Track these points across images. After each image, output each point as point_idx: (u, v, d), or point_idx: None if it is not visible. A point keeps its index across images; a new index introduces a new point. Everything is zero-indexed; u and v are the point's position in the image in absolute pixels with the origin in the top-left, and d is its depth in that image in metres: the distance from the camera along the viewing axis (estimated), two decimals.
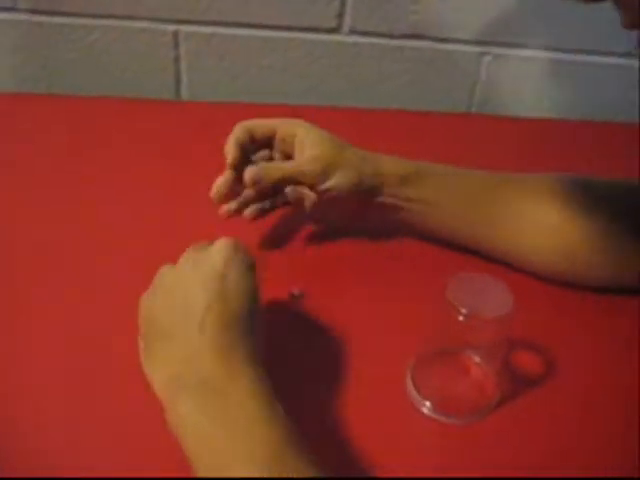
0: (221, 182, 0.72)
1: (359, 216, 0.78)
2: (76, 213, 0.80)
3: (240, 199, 0.75)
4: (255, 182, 0.70)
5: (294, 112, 0.99)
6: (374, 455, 0.58)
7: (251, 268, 0.58)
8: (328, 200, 0.73)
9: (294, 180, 0.72)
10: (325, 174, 0.72)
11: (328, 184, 0.72)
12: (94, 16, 1.00)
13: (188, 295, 0.55)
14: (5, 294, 0.69)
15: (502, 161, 0.81)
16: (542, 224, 0.73)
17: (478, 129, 1.07)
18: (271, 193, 0.77)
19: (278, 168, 0.72)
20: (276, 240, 0.80)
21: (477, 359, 0.66)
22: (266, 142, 0.76)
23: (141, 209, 0.82)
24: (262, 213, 0.77)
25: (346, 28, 1.04)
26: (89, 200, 0.82)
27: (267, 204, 0.78)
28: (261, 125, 0.75)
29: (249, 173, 0.70)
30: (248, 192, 0.75)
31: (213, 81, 1.07)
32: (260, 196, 0.77)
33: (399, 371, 0.65)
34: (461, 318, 0.58)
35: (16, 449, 0.55)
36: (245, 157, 0.73)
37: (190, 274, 0.56)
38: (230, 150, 0.73)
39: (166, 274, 0.59)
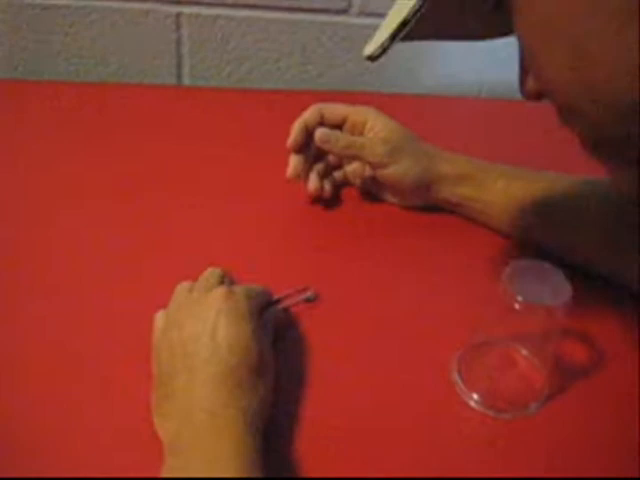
0: (295, 161, 0.74)
1: (414, 202, 0.79)
2: (75, 201, 0.76)
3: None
4: (323, 142, 0.72)
5: (301, 98, 0.97)
6: (420, 446, 0.57)
7: (244, 317, 0.55)
8: (384, 183, 0.76)
9: (360, 153, 0.74)
10: (391, 157, 0.73)
11: (391, 170, 0.74)
12: None
13: (181, 352, 0.53)
14: (5, 288, 0.66)
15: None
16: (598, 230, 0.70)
17: (488, 112, 1.04)
18: (334, 165, 0.80)
19: (347, 137, 0.74)
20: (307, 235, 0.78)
21: (524, 352, 0.63)
22: (335, 127, 0.76)
23: (140, 198, 0.78)
24: (322, 191, 0.78)
25: (355, 10, 1.00)
26: (87, 187, 0.79)
27: (327, 184, 0.78)
28: (333, 110, 0.76)
29: (319, 132, 0.72)
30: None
31: (216, 65, 1.03)
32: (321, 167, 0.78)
33: (446, 361, 0.63)
34: (517, 306, 0.55)
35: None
36: (307, 140, 0.74)
37: (184, 330, 0.54)
38: (294, 130, 0.74)
39: (167, 322, 0.57)
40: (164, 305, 0.59)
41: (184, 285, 0.59)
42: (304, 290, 0.66)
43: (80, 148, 0.84)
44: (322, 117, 0.75)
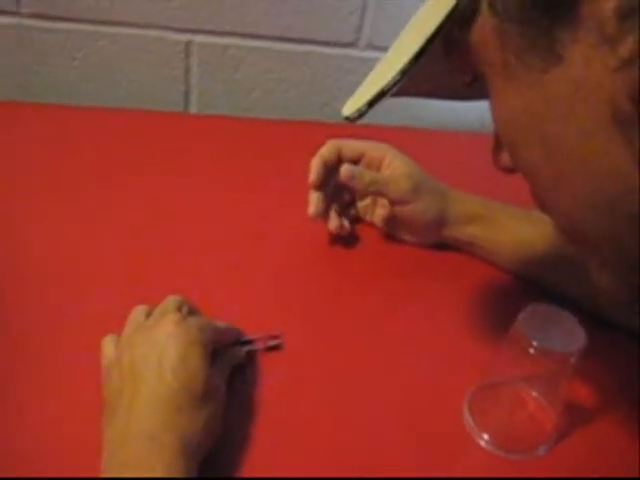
0: (317, 199, 0.74)
1: (426, 240, 0.80)
2: (79, 225, 0.76)
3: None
4: (349, 178, 0.72)
5: (307, 128, 0.98)
6: None
7: (193, 345, 0.54)
8: (402, 220, 0.77)
9: (383, 189, 0.74)
10: (414, 193, 0.74)
11: (411, 207, 0.75)
12: (103, 23, 0.96)
13: (129, 373, 0.53)
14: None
15: None
16: None
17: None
18: (347, 202, 0.81)
19: (371, 173, 0.74)
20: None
21: (535, 394, 0.64)
22: (352, 163, 0.76)
23: (142, 224, 0.78)
24: (342, 229, 0.78)
25: (363, 43, 1.01)
26: (89, 212, 0.78)
27: (345, 222, 0.79)
28: (350, 146, 0.76)
29: (345, 169, 0.73)
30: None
31: (224, 94, 1.04)
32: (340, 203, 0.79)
33: (457, 401, 0.63)
34: (532, 350, 0.56)
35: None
36: (327, 176, 0.75)
37: (135, 352, 0.54)
38: (315, 167, 0.74)
39: (121, 344, 0.57)
40: None
41: (140, 308, 0.60)
42: (275, 337, 0.65)
43: (84, 173, 0.84)
44: (339, 153, 0.76)
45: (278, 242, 0.78)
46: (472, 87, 0.47)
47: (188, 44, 0.98)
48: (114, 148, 0.90)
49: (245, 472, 0.55)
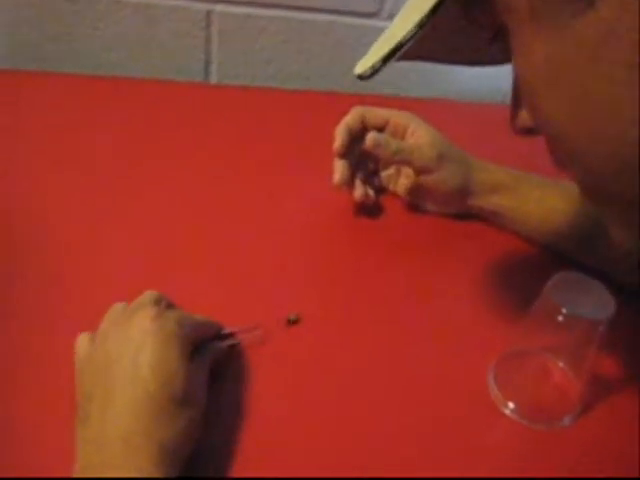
0: (342, 167, 0.73)
1: (450, 209, 0.79)
2: (93, 198, 0.75)
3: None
4: (375, 146, 0.72)
5: (327, 99, 0.98)
6: (456, 454, 0.57)
7: (170, 342, 0.50)
8: (426, 189, 0.76)
9: (408, 158, 0.73)
10: (439, 161, 0.73)
11: (435, 176, 0.74)
12: None
13: (103, 373, 0.49)
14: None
15: None
16: None
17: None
18: (371, 172, 0.80)
19: (397, 142, 0.73)
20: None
21: (561, 364, 0.63)
22: (376, 131, 0.75)
23: (162, 193, 0.77)
24: (367, 198, 0.78)
25: (385, 14, 1.00)
26: (111, 182, 0.78)
27: (370, 191, 0.78)
28: (375, 113, 0.76)
29: (371, 136, 0.72)
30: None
31: (244, 64, 1.03)
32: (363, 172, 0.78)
33: (482, 369, 0.63)
34: (560, 318, 0.55)
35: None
36: (352, 144, 0.74)
37: (109, 349, 0.50)
38: (340, 134, 0.73)
39: (95, 341, 0.53)
40: None
41: (118, 305, 0.55)
42: (254, 328, 0.61)
43: (104, 143, 0.83)
44: (364, 120, 0.75)
45: (299, 213, 0.78)
46: (492, 47, 0.46)
47: (209, 13, 0.97)
48: (135, 118, 0.89)
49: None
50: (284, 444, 0.55)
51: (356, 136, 0.74)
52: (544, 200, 0.74)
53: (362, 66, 0.48)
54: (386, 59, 0.46)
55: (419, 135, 0.75)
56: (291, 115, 0.95)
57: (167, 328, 0.51)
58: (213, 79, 1.04)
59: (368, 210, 0.79)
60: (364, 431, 0.57)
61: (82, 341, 0.54)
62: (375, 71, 0.47)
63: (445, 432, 0.58)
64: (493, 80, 1.04)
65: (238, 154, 0.85)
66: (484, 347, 0.65)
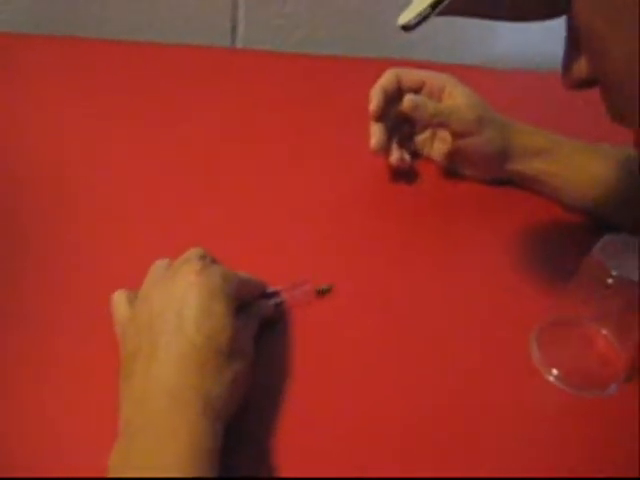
0: (379, 130, 0.71)
1: (488, 174, 0.77)
2: (120, 162, 0.74)
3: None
4: (412, 109, 0.70)
5: (354, 64, 0.95)
6: (499, 421, 0.56)
7: (216, 296, 0.49)
8: (464, 153, 0.73)
9: (447, 120, 0.71)
10: (478, 124, 0.71)
11: (474, 139, 0.72)
12: None
13: (147, 329, 0.48)
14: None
15: None
16: None
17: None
18: (407, 135, 0.77)
19: (435, 104, 0.71)
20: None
21: (604, 331, 0.61)
22: (412, 93, 0.73)
23: (189, 159, 0.76)
24: (403, 162, 0.75)
25: None
26: (132, 147, 0.76)
27: (406, 155, 0.76)
28: (410, 75, 0.74)
29: (408, 99, 0.70)
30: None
31: (271, 29, 1.00)
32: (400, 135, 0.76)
33: (525, 336, 0.62)
34: (610, 281, 0.53)
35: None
36: (387, 106, 0.72)
37: (152, 304, 0.49)
38: (375, 96, 0.71)
39: (139, 298, 0.52)
40: None
41: (161, 261, 0.54)
42: (304, 283, 0.60)
43: (128, 109, 0.82)
44: (399, 82, 0.73)
45: (333, 179, 0.76)
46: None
47: None
48: (159, 82, 0.87)
49: (276, 438, 0.51)
50: (329, 404, 0.54)
51: (392, 98, 0.72)
52: (585, 165, 0.72)
53: (406, 16, 0.46)
54: (435, 4, 0.44)
55: (456, 97, 0.73)
56: (320, 81, 0.93)
57: (212, 282, 0.49)
58: (239, 44, 1.01)
59: (403, 175, 0.77)
60: (404, 397, 0.56)
61: (119, 301, 0.53)
62: (422, 19, 0.45)
63: (486, 397, 0.57)
64: (526, 47, 1.02)
65: (265, 120, 0.83)
66: (526, 315, 0.63)
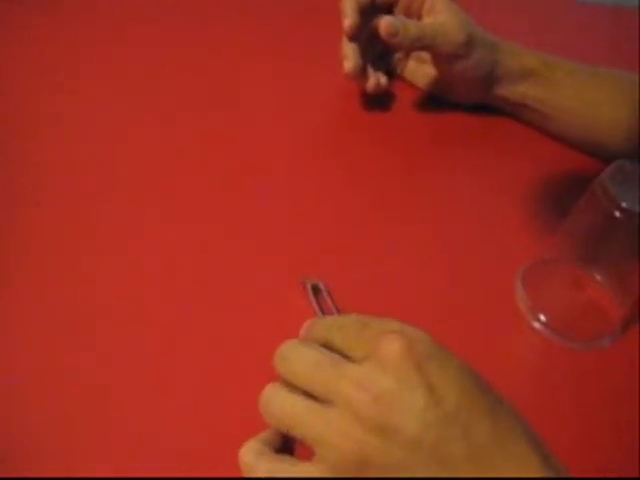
0: (353, 52, 0.63)
1: (472, 99, 0.69)
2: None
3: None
4: (390, 35, 0.61)
5: None
6: (484, 370, 0.47)
7: (447, 357, 0.37)
8: (449, 77, 0.66)
9: (431, 43, 0.62)
10: (467, 46, 0.63)
11: (464, 63, 0.64)
12: None
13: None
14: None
15: None
16: None
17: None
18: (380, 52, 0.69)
19: (417, 25, 0.62)
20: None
21: (598, 277, 0.54)
22: (386, 8, 0.65)
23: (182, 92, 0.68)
24: (379, 87, 0.67)
25: None
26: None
27: (382, 77, 0.67)
28: None
29: (386, 23, 0.61)
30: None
31: None
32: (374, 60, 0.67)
33: (509, 277, 0.55)
34: (617, 213, 0.46)
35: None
36: (363, 24, 0.63)
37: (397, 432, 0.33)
38: (349, 13, 0.62)
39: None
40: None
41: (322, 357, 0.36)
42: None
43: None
44: None
45: (305, 112, 0.67)
46: None
47: None
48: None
49: None
50: None
51: (365, 13, 0.63)
52: (582, 91, 0.64)
53: None
54: None
55: (439, 12, 0.64)
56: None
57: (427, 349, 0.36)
58: None
59: (380, 101, 0.68)
60: None
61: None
62: None
63: (468, 342, 0.49)
64: None
65: (230, 46, 0.74)
66: (512, 254, 0.56)
